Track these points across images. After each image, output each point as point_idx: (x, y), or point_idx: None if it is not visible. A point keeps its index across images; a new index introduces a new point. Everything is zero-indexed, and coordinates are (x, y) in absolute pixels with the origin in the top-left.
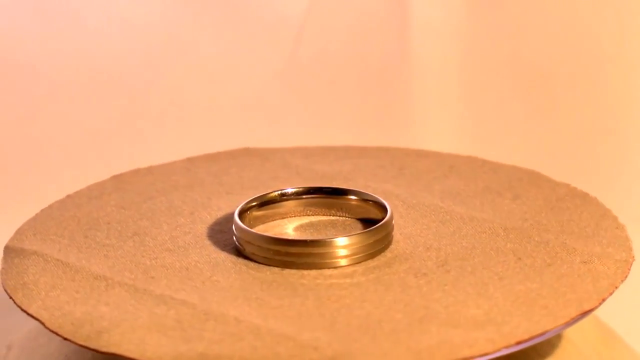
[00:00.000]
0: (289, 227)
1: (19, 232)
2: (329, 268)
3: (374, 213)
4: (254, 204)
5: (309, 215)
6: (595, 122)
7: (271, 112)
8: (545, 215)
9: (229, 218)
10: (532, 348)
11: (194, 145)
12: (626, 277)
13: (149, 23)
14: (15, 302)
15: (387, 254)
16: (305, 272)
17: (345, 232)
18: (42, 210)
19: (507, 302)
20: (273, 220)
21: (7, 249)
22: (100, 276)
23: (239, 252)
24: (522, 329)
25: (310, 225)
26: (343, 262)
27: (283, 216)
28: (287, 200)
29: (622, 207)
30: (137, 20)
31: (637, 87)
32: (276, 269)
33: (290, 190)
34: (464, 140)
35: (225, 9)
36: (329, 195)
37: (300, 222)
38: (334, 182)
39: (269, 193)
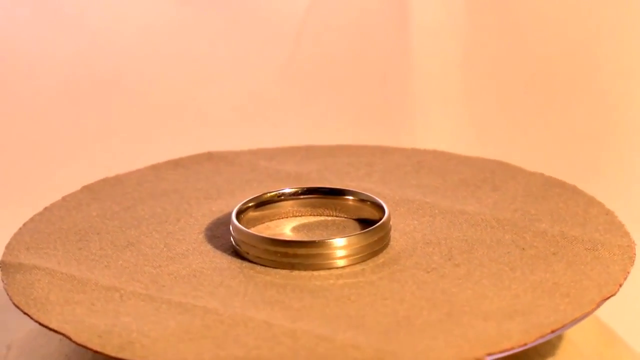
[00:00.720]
0: (286, 228)
1: (11, 247)
2: (334, 268)
3: (370, 213)
4: (251, 204)
5: (306, 215)
6: (595, 122)
7: (271, 112)
8: (533, 205)
9: (218, 223)
10: (533, 348)
11: (194, 145)
12: (633, 261)
13: (149, 23)
14: (32, 318)
15: (389, 251)
16: (315, 272)
17: (343, 233)
18: (24, 225)
19: (527, 292)
20: (270, 221)
21: (5, 265)
22: (110, 287)
23: (240, 255)
24: (552, 319)
25: (308, 225)
26: (343, 262)
27: (280, 217)
28: (284, 200)
29: (622, 207)
30: (137, 20)
31: (638, 87)
32: (283, 271)
33: (287, 190)
34: (464, 139)
35: (225, 9)
36: (326, 196)
37: (298, 223)
38: (310, 182)
39: (266, 193)
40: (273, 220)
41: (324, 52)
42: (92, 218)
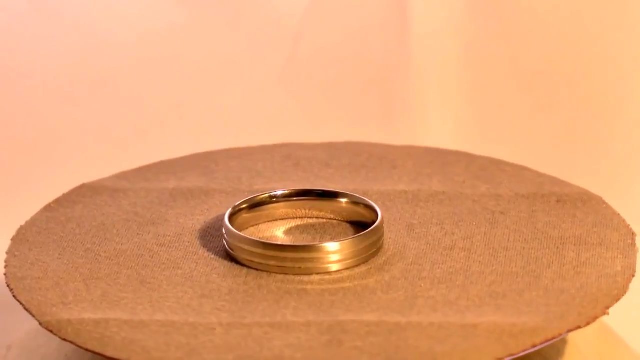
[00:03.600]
0: (279, 230)
1: (18, 279)
2: (328, 273)
3: (363, 215)
4: (244, 206)
5: (299, 217)
6: (595, 121)
7: (271, 112)
8: (495, 188)
9: (193, 231)
10: None
11: (194, 145)
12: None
13: (148, 22)
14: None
15: (383, 254)
16: (308, 277)
17: (336, 235)
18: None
19: (555, 282)
20: (263, 223)
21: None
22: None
23: (233, 259)
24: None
25: (301, 227)
26: (336, 266)
27: (273, 219)
28: (277, 202)
29: (623, 206)
30: (136, 20)
31: (638, 86)
32: (277, 276)
33: (280, 192)
34: (465, 139)
35: (225, 9)
36: (319, 198)
37: (291, 225)
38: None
39: (259, 195)
40: (266, 222)
41: (324, 52)
42: (72, 235)
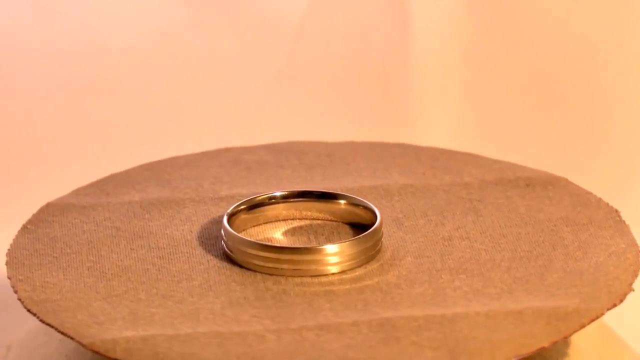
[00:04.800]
0: (277, 232)
1: (36, 303)
2: (326, 275)
3: (362, 217)
4: (242, 207)
5: (297, 218)
6: (595, 120)
7: (271, 112)
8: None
9: (185, 241)
10: None
11: (193, 145)
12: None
13: (148, 22)
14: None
15: (382, 256)
16: (307, 279)
17: (335, 237)
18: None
19: (568, 264)
20: (262, 224)
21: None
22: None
23: (231, 260)
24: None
25: (299, 229)
26: (335, 268)
27: (272, 220)
28: (275, 203)
29: (623, 206)
30: (136, 20)
31: (638, 86)
32: (275, 277)
33: (278, 193)
34: (465, 139)
35: (225, 9)
36: (317, 199)
37: (289, 226)
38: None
39: (258, 196)
40: (264, 223)
41: (323, 52)
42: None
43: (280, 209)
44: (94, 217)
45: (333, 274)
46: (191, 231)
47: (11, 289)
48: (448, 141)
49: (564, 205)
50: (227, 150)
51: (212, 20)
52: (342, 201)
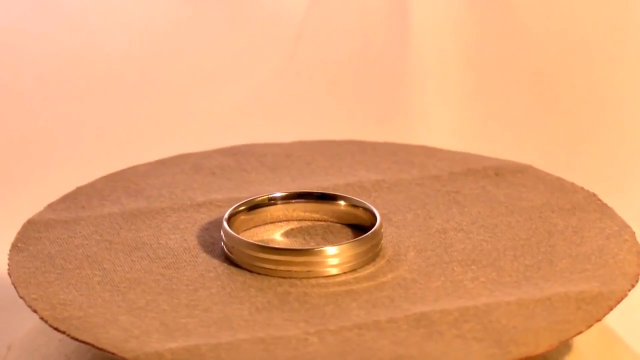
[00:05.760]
0: (277, 233)
1: (61, 321)
2: (326, 276)
3: (362, 218)
4: (242, 208)
5: (297, 220)
6: (595, 120)
7: (271, 111)
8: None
9: (183, 250)
10: None
11: (193, 145)
12: None
13: (148, 22)
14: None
15: (381, 259)
16: (306, 281)
17: (334, 238)
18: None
19: (572, 249)
20: (261, 225)
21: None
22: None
23: (231, 261)
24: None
25: (299, 230)
26: (335, 270)
27: (271, 221)
28: (275, 204)
29: (624, 206)
30: (136, 19)
31: (638, 85)
32: (274, 279)
33: (278, 194)
34: (465, 139)
35: (225, 9)
36: (317, 200)
37: (289, 228)
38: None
39: (257, 197)
40: (264, 224)
41: (323, 52)
42: (58, 260)
43: (279, 210)
44: (80, 232)
45: (345, 272)
46: (185, 239)
47: (11, 289)
48: (448, 141)
49: (541, 192)
50: (184, 156)
51: (212, 20)
52: (342, 202)
